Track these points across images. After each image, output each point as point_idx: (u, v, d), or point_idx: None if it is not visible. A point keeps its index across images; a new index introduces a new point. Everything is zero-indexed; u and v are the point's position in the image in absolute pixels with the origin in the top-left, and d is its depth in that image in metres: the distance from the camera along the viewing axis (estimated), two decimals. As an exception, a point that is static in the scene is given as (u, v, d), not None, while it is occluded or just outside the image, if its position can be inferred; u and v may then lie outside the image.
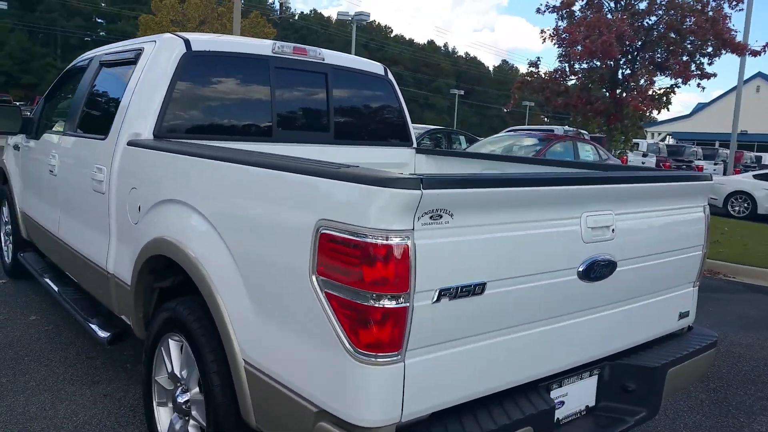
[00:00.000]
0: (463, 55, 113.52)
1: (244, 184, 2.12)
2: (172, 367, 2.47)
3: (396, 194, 1.56)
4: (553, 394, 2.16)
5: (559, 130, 17.87)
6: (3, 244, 5.43)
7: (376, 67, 3.93)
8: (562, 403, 2.21)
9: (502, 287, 1.83)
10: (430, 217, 1.64)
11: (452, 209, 1.68)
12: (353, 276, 1.61)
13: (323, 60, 3.61)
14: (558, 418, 2.19)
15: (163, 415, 2.60)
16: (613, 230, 2.18)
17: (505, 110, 22.67)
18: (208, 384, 2.17)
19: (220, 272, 2.13)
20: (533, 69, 15.89)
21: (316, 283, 1.71)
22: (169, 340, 2.49)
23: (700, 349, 2.61)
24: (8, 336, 4.05)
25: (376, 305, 1.59)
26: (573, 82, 15.58)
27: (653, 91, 14.26)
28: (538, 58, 15.66)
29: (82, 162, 3.34)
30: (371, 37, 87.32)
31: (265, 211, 2.00)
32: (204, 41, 3.16)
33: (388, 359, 1.63)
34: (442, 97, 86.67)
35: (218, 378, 2.14)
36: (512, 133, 14.00)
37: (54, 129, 4.11)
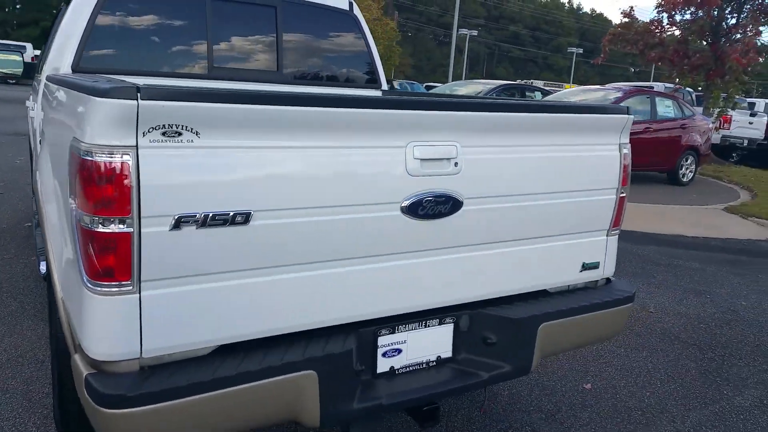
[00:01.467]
0: (588, 12, 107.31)
1: (54, 106, 2.09)
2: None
3: (109, 104, 1.44)
4: (384, 340, 1.99)
5: (659, 87, 16.48)
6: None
7: (337, 2, 3.73)
8: (398, 351, 2.03)
9: (280, 218, 1.67)
10: (163, 134, 1.50)
11: (196, 126, 1.53)
12: (81, 198, 1.52)
13: (272, -6, 3.47)
14: (393, 367, 2.02)
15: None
16: (456, 164, 1.93)
17: (592, 63, 21.18)
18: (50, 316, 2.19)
19: (48, 199, 2.13)
20: (627, 19, 14.71)
21: (72, 209, 1.64)
22: None
23: (594, 306, 2.30)
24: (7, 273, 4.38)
25: (98, 230, 1.49)
26: (671, 33, 14.25)
27: (760, 43, 12.72)
28: (631, 8, 14.45)
29: (29, 101, 3.48)
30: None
31: (56, 132, 1.96)
32: (130, -24, 3.13)
33: (118, 290, 1.52)
34: (562, 56, 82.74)
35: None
36: (594, 87, 13.06)
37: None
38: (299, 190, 1.70)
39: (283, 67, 3.53)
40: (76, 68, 2.96)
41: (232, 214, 1.60)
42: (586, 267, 2.37)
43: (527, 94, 13.28)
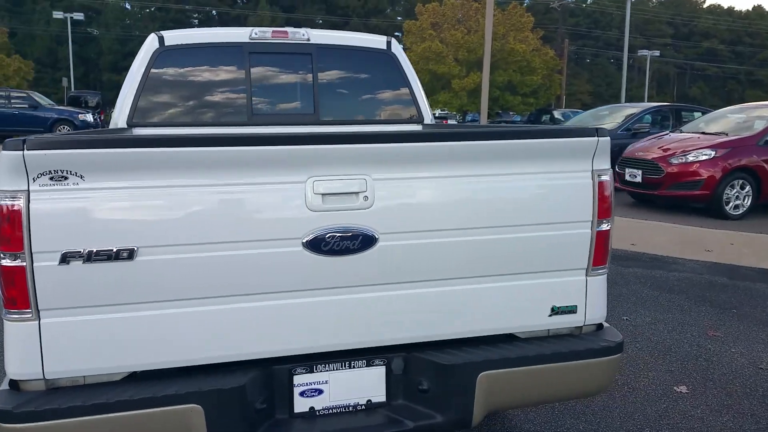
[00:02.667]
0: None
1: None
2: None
3: (5, 156, 1.66)
4: (301, 379, 1.96)
5: None
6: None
7: (375, 42, 3.79)
8: (319, 391, 1.98)
9: (168, 254, 1.76)
10: (51, 179, 1.68)
11: (80, 170, 1.69)
12: None
13: (308, 40, 3.65)
14: (313, 407, 1.97)
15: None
16: (366, 198, 1.87)
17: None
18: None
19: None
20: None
21: None
22: None
23: (556, 356, 2.04)
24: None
25: (2, 263, 1.70)
26: None
27: None
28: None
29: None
30: (676, 12, 78.95)
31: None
32: (177, 36, 3.50)
33: (21, 316, 1.72)
34: (772, 70, 74.00)
35: None
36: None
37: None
38: (188, 227, 1.77)
39: (320, 110, 3.66)
40: (130, 123, 3.36)
41: (115, 250, 1.72)
42: (557, 311, 2.12)
43: (683, 114, 12.04)
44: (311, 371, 1.97)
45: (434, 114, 31.65)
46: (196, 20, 69.57)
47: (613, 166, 2.58)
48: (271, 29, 3.63)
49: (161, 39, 3.45)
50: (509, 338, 2.13)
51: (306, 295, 1.89)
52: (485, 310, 2.05)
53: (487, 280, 2.03)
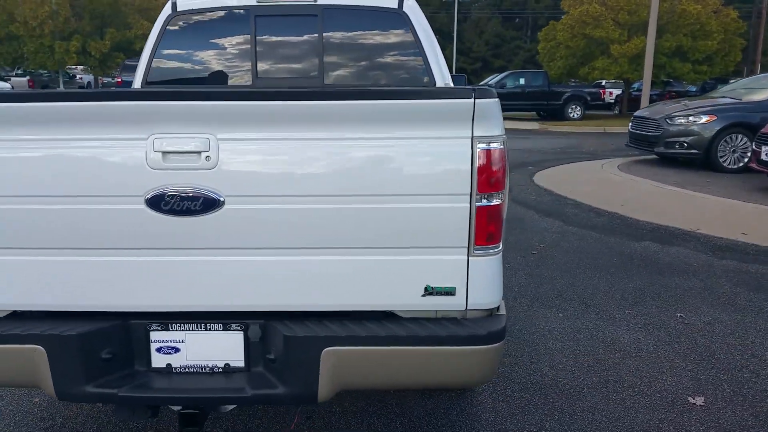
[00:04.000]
0: None
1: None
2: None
3: None
4: (157, 335, 1.97)
5: None
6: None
7: (386, 1, 3.61)
8: (176, 349, 1.98)
9: (10, 204, 1.83)
10: None
11: None
12: None
13: (314, 1, 3.57)
14: (170, 364, 1.98)
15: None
16: (208, 158, 1.81)
17: None
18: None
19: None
20: None
21: None
22: None
23: (415, 339, 1.84)
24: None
25: None
26: None
27: None
28: None
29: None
30: None
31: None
32: (189, 2, 3.61)
33: None
34: None
35: None
36: None
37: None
38: (30, 179, 1.82)
39: (325, 72, 3.59)
40: (145, 83, 3.57)
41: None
42: (432, 291, 1.90)
43: None
44: (167, 329, 1.97)
45: (599, 83, 28.67)
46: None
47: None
48: (279, -9, 3.61)
49: (174, 4, 3.58)
50: (389, 316, 1.97)
51: (153, 253, 1.88)
52: (344, 284, 1.90)
53: (344, 252, 1.87)
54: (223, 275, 1.90)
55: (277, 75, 3.63)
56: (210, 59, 3.66)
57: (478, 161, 1.82)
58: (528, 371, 3.21)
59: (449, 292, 1.90)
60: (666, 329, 3.76)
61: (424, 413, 2.81)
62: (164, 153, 1.81)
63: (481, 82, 27.10)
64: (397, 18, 3.55)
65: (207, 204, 1.82)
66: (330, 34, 3.58)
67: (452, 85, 3.67)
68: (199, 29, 3.64)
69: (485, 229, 1.87)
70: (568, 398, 2.94)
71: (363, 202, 1.84)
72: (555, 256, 5.27)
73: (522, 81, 23.95)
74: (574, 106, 23.45)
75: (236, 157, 1.82)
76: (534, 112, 24.27)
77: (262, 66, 3.60)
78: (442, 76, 3.58)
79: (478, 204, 1.84)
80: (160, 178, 1.82)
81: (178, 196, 1.82)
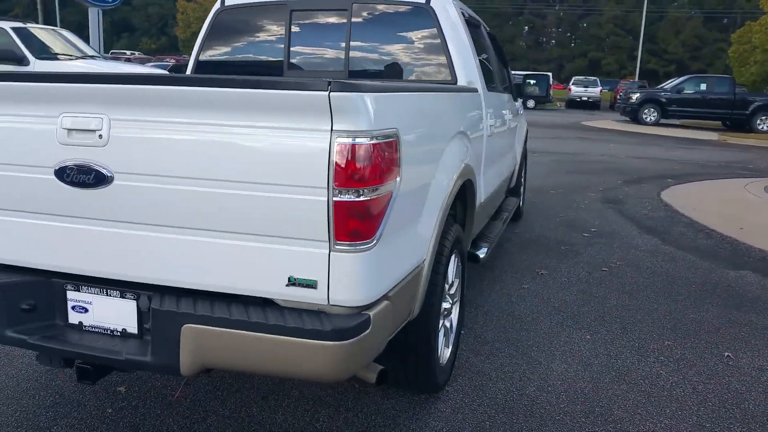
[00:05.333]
0: None
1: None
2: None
3: None
4: (72, 295, 2.19)
5: None
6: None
7: (415, -5, 3.55)
8: (85, 309, 2.19)
9: None
10: None
11: None
12: None
13: (346, -3, 3.63)
14: (81, 322, 2.19)
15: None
16: (100, 136, 1.99)
17: None
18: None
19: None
20: None
21: None
22: None
23: (259, 325, 1.85)
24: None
25: None
26: None
27: None
28: None
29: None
30: None
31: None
32: (239, -3, 3.88)
33: None
34: None
35: None
36: None
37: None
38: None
39: (349, 65, 3.63)
40: (194, 71, 3.91)
41: None
42: (295, 282, 1.90)
43: None
44: (78, 290, 2.18)
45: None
46: (553, -10, 69.21)
47: None
48: (312, -13, 3.72)
49: (222, 0, 3.87)
50: (269, 303, 2.00)
51: (62, 219, 2.10)
52: (213, 265, 1.97)
53: (211, 234, 1.94)
54: (115, 246, 2.06)
55: (307, 66, 3.76)
56: (250, 49, 3.90)
57: (337, 156, 1.78)
58: (510, 388, 3.01)
59: (311, 284, 1.89)
60: (700, 367, 3.28)
61: (376, 411, 2.77)
62: (68, 130, 2.02)
63: (658, 86, 25.02)
64: (423, 13, 3.49)
65: (98, 178, 2.00)
66: (357, 28, 3.63)
67: (479, 82, 3.53)
68: (243, 22, 3.88)
69: (347, 225, 1.83)
70: (533, 423, 2.71)
71: (227, 187, 1.89)
72: (626, 275, 4.80)
73: (703, 87, 21.74)
74: (764, 117, 20.75)
75: (124, 137, 1.97)
76: (719, 122, 21.93)
77: (294, 57, 3.75)
78: (466, 74, 3.46)
79: (337, 199, 1.81)
80: (66, 152, 2.03)
81: (77, 168, 2.01)
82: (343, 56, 3.66)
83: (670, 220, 6.78)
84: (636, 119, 22.15)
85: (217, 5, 3.91)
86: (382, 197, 1.92)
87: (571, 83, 35.03)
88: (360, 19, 3.62)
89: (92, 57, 11.04)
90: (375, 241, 1.90)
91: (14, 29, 10.10)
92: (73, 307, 2.21)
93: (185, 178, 1.93)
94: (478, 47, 4.02)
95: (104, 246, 2.08)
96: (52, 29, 11.76)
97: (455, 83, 3.45)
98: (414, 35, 3.57)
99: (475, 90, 3.44)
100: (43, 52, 10.26)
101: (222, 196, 1.90)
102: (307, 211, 1.84)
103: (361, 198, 1.83)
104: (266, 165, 1.85)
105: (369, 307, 1.95)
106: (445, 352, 3.00)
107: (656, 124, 21.71)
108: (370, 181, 1.84)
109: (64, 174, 2.03)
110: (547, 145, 14.06)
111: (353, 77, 3.62)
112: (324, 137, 1.79)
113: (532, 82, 5.50)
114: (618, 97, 27.65)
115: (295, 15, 3.73)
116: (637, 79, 40.09)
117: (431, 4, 3.48)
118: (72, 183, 2.03)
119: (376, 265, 1.94)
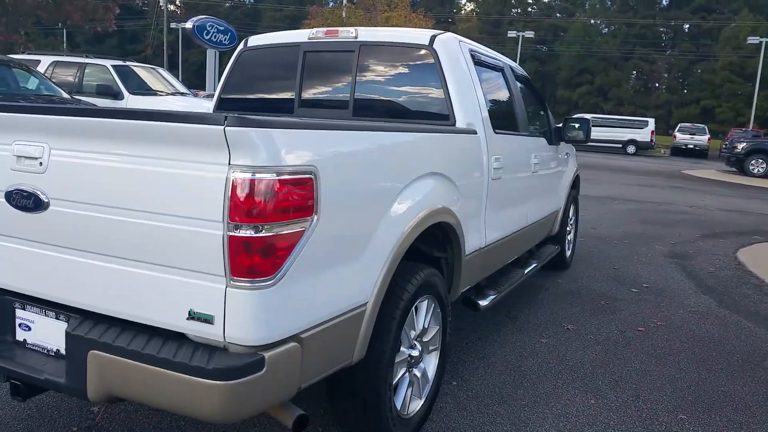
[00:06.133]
0: None
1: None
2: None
3: None
4: (20, 313, 2.30)
5: None
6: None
7: (419, 38, 3.50)
8: (29, 328, 2.28)
9: None
10: None
11: None
12: None
13: (355, 38, 3.66)
14: (25, 340, 2.29)
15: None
16: (41, 163, 2.10)
17: None
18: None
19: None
20: None
21: None
22: None
23: (144, 356, 1.85)
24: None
25: None
26: None
27: None
28: None
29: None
30: None
31: None
32: (258, 38, 4.02)
33: None
34: None
35: None
36: None
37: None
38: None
39: (355, 105, 3.64)
40: (219, 101, 4.09)
41: None
42: (195, 317, 1.88)
43: None
44: (24, 309, 2.29)
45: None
46: (665, 35, 66.77)
47: None
48: (326, 29, 3.79)
49: (246, 41, 4.04)
50: (181, 337, 2.00)
51: (11, 240, 2.22)
52: (124, 293, 2.00)
53: (122, 262, 1.99)
54: (50, 268, 2.15)
55: (316, 105, 3.81)
56: (267, 87, 4.03)
57: (234, 190, 1.77)
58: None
59: (208, 320, 1.87)
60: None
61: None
62: (18, 156, 2.14)
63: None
64: (425, 54, 3.45)
65: (37, 203, 2.10)
66: (364, 68, 3.64)
67: (481, 125, 3.42)
68: (262, 61, 4.02)
69: (243, 261, 1.80)
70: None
71: (135, 217, 1.94)
72: (662, 337, 4.39)
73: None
74: None
75: (59, 165, 2.07)
76: None
77: (305, 95, 3.82)
78: (465, 116, 3.36)
79: (232, 234, 1.79)
80: (14, 177, 2.15)
81: (20, 193, 2.13)
82: (348, 96, 3.68)
83: (737, 280, 6.17)
84: (742, 170, 20.65)
85: (241, 45, 4.08)
86: (288, 234, 1.87)
87: (676, 130, 33.35)
88: (366, 61, 3.64)
89: (182, 94, 11.83)
90: (275, 280, 1.85)
91: (114, 66, 11.06)
92: (20, 325, 2.31)
93: (99, 205, 2.00)
94: (493, 90, 3.92)
95: (42, 267, 2.17)
96: (152, 68, 12.75)
97: (453, 125, 3.36)
98: (416, 76, 3.53)
99: (472, 132, 3.33)
100: (139, 87, 11.13)
101: (130, 225, 1.95)
102: (205, 245, 1.83)
103: (261, 234, 1.79)
104: (171, 196, 1.87)
105: (268, 347, 1.89)
106: (413, 404, 2.86)
107: (765, 176, 20.11)
108: (271, 217, 1.81)
109: (11, 197, 2.15)
110: (632, 193, 13.37)
111: (357, 116, 3.62)
112: (221, 171, 1.79)
113: (576, 125, 5.25)
114: (723, 146, 25.96)
115: (308, 56, 3.81)
116: (751, 127, 37.50)
117: (434, 45, 3.43)
118: (17, 206, 2.15)
119: (279, 304, 1.88)
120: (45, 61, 11.35)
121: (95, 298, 2.07)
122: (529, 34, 46.95)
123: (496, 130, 3.62)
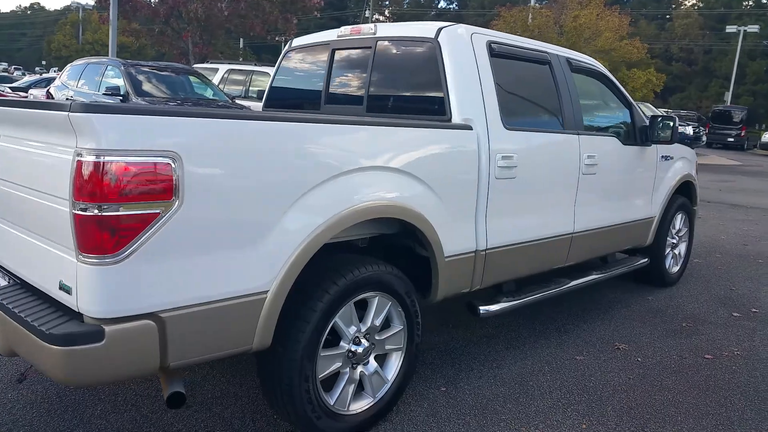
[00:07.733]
0: None
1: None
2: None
3: None
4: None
5: None
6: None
7: (426, 31, 3.39)
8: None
9: None
10: None
11: None
12: None
13: (374, 34, 3.69)
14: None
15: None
16: None
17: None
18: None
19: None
20: None
21: None
22: None
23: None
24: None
25: None
26: None
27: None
28: None
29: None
30: None
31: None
32: (302, 38, 4.26)
33: None
34: None
35: None
36: None
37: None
38: None
39: (368, 100, 3.67)
40: (267, 98, 4.44)
41: None
42: (62, 287, 2.10)
43: None
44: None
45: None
46: None
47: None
48: (351, 27, 3.88)
49: (290, 42, 4.30)
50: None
51: None
52: (29, 260, 2.32)
53: (22, 231, 2.35)
54: None
55: (338, 99, 3.92)
56: (303, 82, 4.25)
57: (79, 171, 1.94)
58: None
59: (67, 290, 2.07)
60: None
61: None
62: None
63: None
64: (429, 47, 3.37)
65: None
66: (378, 63, 3.66)
67: (482, 121, 3.25)
68: (302, 61, 4.23)
69: (89, 238, 1.96)
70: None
71: (21, 191, 2.31)
72: (729, 368, 3.74)
73: None
74: None
75: None
76: None
77: (331, 90, 3.96)
78: (462, 110, 3.23)
79: (76, 212, 1.96)
80: None
81: None
82: (363, 90, 3.73)
83: None
84: None
85: (287, 47, 4.33)
86: (137, 215, 1.98)
87: None
88: (380, 57, 3.65)
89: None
90: (121, 258, 1.97)
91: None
92: None
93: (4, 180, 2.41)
94: (520, 84, 3.68)
95: None
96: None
97: (449, 120, 3.24)
98: (422, 70, 3.46)
99: (465, 128, 3.18)
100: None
101: (22, 199, 2.29)
102: (61, 222, 2.04)
103: (104, 213, 1.94)
104: (39, 174, 2.19)
105: (113, 321, 2.00)
106: (359, 402, 2.83)
107: None
108: (115, 198, 1.93)
109: None
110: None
111: (371, 111, 3.66)
112: (69, 153, 1.98)
113: (661, 125, 4.66)
114: None
115: (336, 54, 3.93)
116: None
117: (438, 38, 3.34)
118: None
119: (128, 281, 2.00)
120: (221, 69, 12.77)
121: (9, 260, 2.46)
122: (753, 28, 41.04)
123: (511, 127, 3.40)
